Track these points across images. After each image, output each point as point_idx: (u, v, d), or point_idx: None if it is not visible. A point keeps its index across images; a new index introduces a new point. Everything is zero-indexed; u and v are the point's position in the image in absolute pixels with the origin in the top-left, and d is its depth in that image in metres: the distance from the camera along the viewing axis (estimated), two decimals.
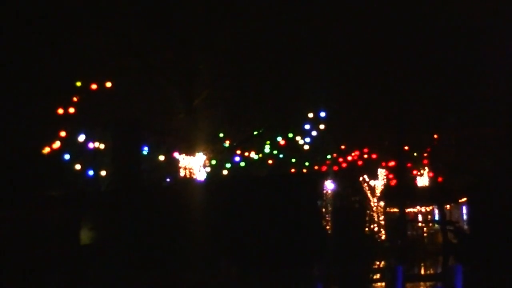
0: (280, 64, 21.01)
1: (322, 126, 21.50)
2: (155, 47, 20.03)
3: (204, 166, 20.33)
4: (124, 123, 20.55)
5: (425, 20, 22.00)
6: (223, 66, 20.52)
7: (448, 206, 27.54)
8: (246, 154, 21.57)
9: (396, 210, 26.62)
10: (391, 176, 25.69)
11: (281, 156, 21.86)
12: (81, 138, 19.70)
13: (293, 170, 22.68)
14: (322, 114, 21.43)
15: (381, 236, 26.63)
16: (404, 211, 26.04)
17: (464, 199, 26.44)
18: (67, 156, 19.63)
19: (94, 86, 19.38)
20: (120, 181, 21.16)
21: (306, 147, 21.47)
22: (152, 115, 20.53)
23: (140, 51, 19.71)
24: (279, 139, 21.39)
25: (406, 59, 22.53)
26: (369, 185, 26.11)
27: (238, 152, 21.55)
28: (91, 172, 19.95)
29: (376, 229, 26.48)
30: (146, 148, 20.69)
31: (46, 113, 19.44)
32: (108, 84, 19.59)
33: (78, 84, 19.42)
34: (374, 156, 24.35)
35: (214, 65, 20.39)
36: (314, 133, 21.32)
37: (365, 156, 24.14)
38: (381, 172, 25.96)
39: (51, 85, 19.53)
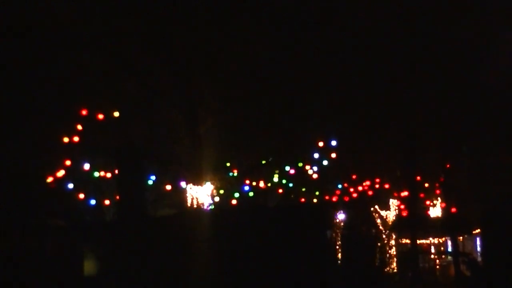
0: (288, 91, 20.53)
1: (332, 155, 21.00)
2: (158, 71, 19.59)
3: (212, 195, 19.82)
4: (128, 152, 20.21)
5: (436, 46, 21.55)
6: (229, 92, 19.98)
7: (461, 238, 27.13)
8: (255, 183, 21.07)
9: (408, 241, 26.20)
10: (403, 206, 25.30)
11: (290, 185, 21.35)
12: (86, 166, 19.25)
13: (302, 199, 22.25)
14: (333, 142, 20.94)
15: (392, 268, 26.22)
16: (416, 242, 25.47)
17: (478, 230, 25.86)
18: (70, 185, 19.19)
19: (100, 116, 19.01)
20: (125, 211, 20.81)
21: (316, 176, 20.95)
22: (156, 143, 20.10)
23: (143, 76, 19.31)
24: (288, 168, 20.87)
25: (418, 87, 22.12)
26: (380, 216, 25.79)
27: (246, 181, 21.04)
28: (93, 202, 19.46)
29: (387, 260, 26.03)
30: (153, 177, 20.18)
31: (51, 141, 19.10)
32: (116, 114, 19.24)
33: (84, 112, 19.02)
34: (385, 186, 23.93)
35: (220, 91, 19.87)
36: (324, 162, 20.81)
37: (377, 186, 23.70)
38: (393, 203, 25.64)
39: (55, 112, 19.19)
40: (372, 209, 25.63)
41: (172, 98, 19.98)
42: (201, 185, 19.59)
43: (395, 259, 26.25)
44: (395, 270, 26.20)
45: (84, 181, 19.83)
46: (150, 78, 19.61)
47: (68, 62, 18.92)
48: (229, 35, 19.51)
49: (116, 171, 19.75)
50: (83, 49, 18.82)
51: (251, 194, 20.50)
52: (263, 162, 21.20)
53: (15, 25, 18.52)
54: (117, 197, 20.12)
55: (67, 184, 19.32)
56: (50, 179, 19.21)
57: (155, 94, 19.84)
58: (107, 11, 18.78)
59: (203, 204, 19.57)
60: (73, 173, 19.50)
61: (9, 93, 18.88)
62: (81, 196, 19.53)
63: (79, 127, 19.12)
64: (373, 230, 25.91)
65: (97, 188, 20.25)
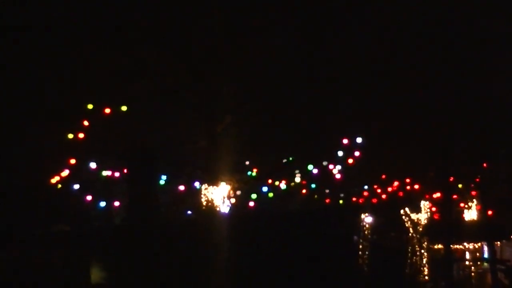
0: (311, 85, 19.51)
1: (358, 154, 19.88)
2: (173, 68, 18.63)
3: (229, 197, 18.89)
4: (140, 152, 19.22)
5: (472, 45, 20.93)
6: (248, 89, 19.01)
7: (499, 243, 26.04)
8: (276, 183, 20.04)
9: (440, 247, 25.27)
10: (435, 209, 24.33)
11: (313, 186, 20.24)
12: (93, 165, 18.19)
13: (327, 201, 21.30)
14: (358, 139, 19.77)
15: (424, 276, 25.29)
16: (450, 248, 24.48)
17: None
18: (76, 186, 18.13)
19: (107, 110, 18.04)
20: (136, 214, 19.88)
21: (340, 176, 19.83)
22: (170, 143, 19.12)
23: (156, 73, 18.38)
24: (311, 167, 19.73)
25: (452, 84, 21.26)
26: (411, 219, 24.80)
27: (267, 181, 20.01)
28: (103, 204, 18.36)
29: (418, 268, 25.15)
30: (164, 177, 19.18)
31: (54, 138, 18.05)
32: (124, 108, 18.29)
33: (90, 106, 18.06)
34: (416, 187, 22.76)
35: (238, 87, 18.91)
36: (350, 161, 19.66)
37: (407, 187, 22.57)
38: (425, 205, 24.60)
39: (59, 107, 18.19)
40: (402, 212, 24.64)
41: (187, 95, 19.03)
42: (217, 185, 18.62)
43: (427, 266, 25.20)
44: (427, 278, 25.23)
45: (91, 182, 18.76)
46: (164, 74, 18.71)
47: (77, 58, 17.97)
48: (248, 28, 18.66)
49: (126, 171, 18.86)
50: (93, 46, 17.93)
51: (271, 195, 19.36)
52: (284, 161, 20.06)
53: (19, 20, 17.87)
54: (127, 200, 19.19)
55: (73, 185, 18.21)
56: (54, 180, 18.15)
57: (168, 91, 18.90)
58: (118, 5, 17.91)
59: (218, 206, 18.57)
60: (79, 173, 18.43)
61: (10, 88, 18.00)
62: (89, 198, 18.38)
63: (85, 122, 18.09)
64: (403, 235, 25.14)
65: (105, 189, 19.18)
